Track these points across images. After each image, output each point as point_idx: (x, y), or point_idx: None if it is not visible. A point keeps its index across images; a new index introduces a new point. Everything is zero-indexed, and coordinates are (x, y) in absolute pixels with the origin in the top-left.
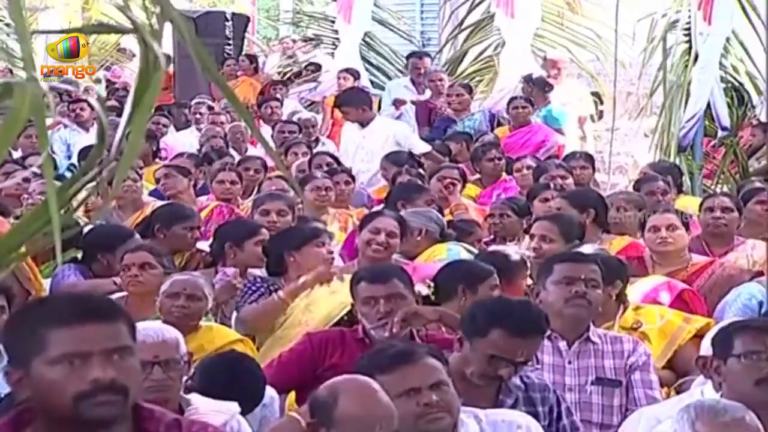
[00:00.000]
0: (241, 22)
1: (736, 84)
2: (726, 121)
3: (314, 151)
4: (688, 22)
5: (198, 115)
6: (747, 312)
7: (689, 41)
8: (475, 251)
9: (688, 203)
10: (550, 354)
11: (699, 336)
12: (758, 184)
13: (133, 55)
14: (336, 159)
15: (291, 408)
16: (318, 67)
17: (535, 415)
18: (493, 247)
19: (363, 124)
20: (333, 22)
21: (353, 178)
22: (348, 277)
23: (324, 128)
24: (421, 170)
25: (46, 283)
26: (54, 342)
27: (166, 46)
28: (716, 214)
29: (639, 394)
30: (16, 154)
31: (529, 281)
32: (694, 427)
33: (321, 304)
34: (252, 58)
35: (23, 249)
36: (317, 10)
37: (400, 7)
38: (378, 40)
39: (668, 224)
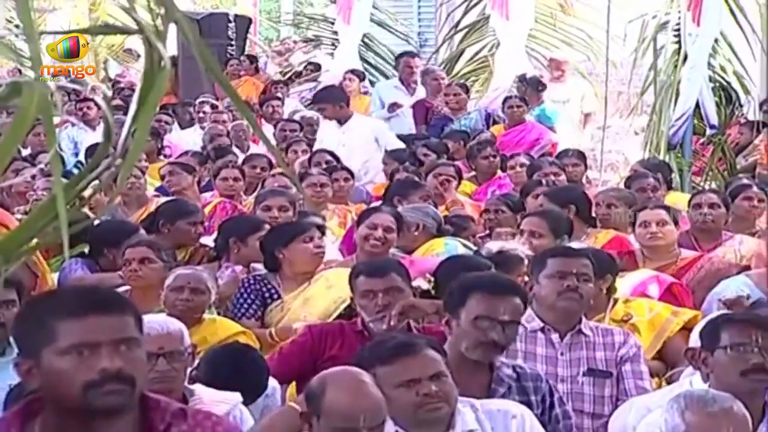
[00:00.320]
0: (244, 23)
1: (724, 83)
2: (714, 120)
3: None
4: (678, 24)
5: (201, 114)
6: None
7: (679, 42)
8: (472, 246)
9: (678, 199)
10: (543, 346)
11: (687, 328)
12: (745, 181)
13: (138, 56)
14: (336, 156)
15: (292, 398)
16: (317, 67)
17: (528, 404)
18: (495, 243)
19: (341, 122)
20: (332, 23)
21: (352, 174)
22: (345, 273)
23: None
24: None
25: (55, 277)
26: (63, 333)
27: (171, 46)
28: (704, 210)
29: (629, 384)
30: (25, 152)
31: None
32: (684, 417)
33: (318, 299)
34: (252, 59)
35: (32, 243)
36: (317, 12)
37: (397, 8)
38: (376, 41)
39: (658, 220)
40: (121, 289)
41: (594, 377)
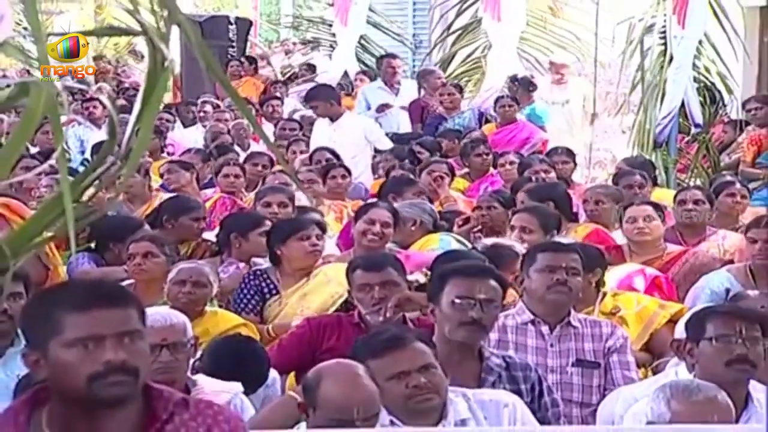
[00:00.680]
0: (244, 25)
1: (708, 84)
2: (699, 119)
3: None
4: (664, 26)
5: (203, 113)
6: (715, 298)
7: (665, 44)
8: (466, 242)
9: (663, 196)
10: (533, 338)
11: (673, 321)
12: (729, 178)
13: (142, 57)
14: (335, 154)
15: (291, 388)
16: (313, 68)
17: (518, 393)
18: (492, 240)
19: (332, 119)
20: (330, 25)
21: (349, 172)
22: (343, 268)
23: None
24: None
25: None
26: (69, 326)
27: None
28: (689, 206)
29: (617, 375)
30: (34, 150)
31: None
32: (670, 405)
33: (316, 295)
34: (251, 60)
35: (39, 238)
36: (316, 15)
37: (393, 11)
38: (373, 42)
39: (645, 215)
40: (125, 283)
41: (582, 368)
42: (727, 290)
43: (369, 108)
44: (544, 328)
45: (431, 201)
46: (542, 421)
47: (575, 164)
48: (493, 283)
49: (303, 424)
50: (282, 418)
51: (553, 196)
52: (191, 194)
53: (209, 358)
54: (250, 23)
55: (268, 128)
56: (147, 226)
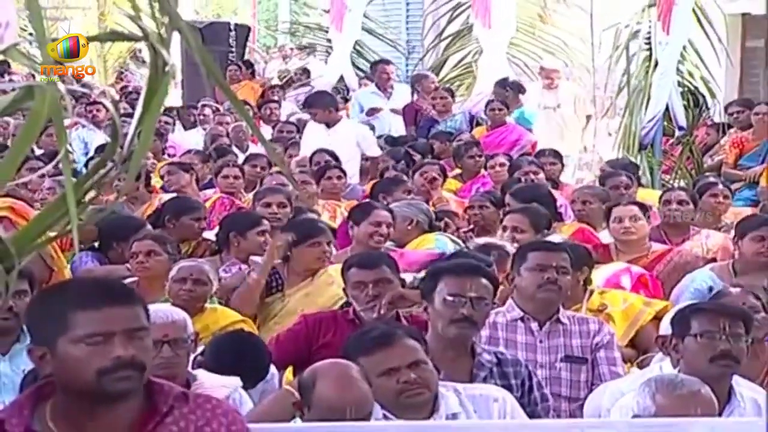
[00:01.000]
0: (243, 31)
1: (692, 88)
2: (683, 122)
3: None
4: (649, 32)
5: (203, 116)
6: (698, 295)
7: (650, 49)
8: (460, 242)
9: (648, 196)
10: (522, 334)
11: (658, 318)
12: (712, 179)
13: (144, 62)
14: (334, 156)
15: (288, 382)
16: (308, 72)
17: (509, 388)
18: (484, 239)
19: (329, 125)
20: (326, 31)
21: (345, 173)
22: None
23: None
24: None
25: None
26: (80, 323)
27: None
28: (674, 206)
29: (604, 370)
30: (39, 152)
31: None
32: (655, 399)
33: (318, 296)
34: (248, 64)
35: (43, 238)
36: (312, 21)
37: (387, 18)
38: (367, 47)
39: (631, 215)
40: (128, 280)
41: (571, 363)
42: (711, 288)
43: (362, 111)
44: (534, 325)
45: (427, 201)
46: (532, 415)
47: (563, 165)
48: (484, 281)
49: (299, 419)
50: (279, 411)
51: (538, 197)
52: (191, 195)
53: (212, 353)
54: (249, 29)
55: (266, 131)
56: (149, 226)
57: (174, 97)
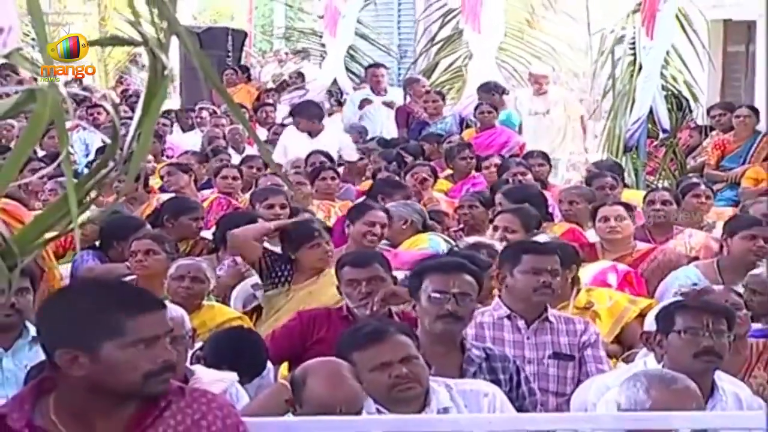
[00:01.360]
0: (240, 36)
1: (675, 91)
2: (666, 124)
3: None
4: (634, 38)
5: (200, 119)
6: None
7: (634, 54)
8: (453, 243)
9: (633, 196)
10: (509, 332)
11: (642, 315)
12: (694, 180)
13: (143, 66)
14: (329, 156)
15: (283, 377)
16: (302, 76)
17: (497, 383)
18: (474, 238)
19: (312, 134)
20: (320, 36)
21: (338, 174)
22: None
23: None
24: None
25: (68, 267)
26: (133, 328)
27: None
28: (658, 206)
29: (591, 368)
30: (41, 153)
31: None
32: (650, 393)
33: (321, 295)
34: (245, 69)
35: (45, 237)
36: (307, 26)
37: (379, 23)
38: (360, 52)
39: (616, 215)
40: (127, 279)
41: (559, 360)
42: (695, 285)
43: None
44: (521, 323)
45: (419, 202)
46: (520, 409)
47: (551, 167)
48: (467, 277)
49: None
50: (274, 406)
51: (529, 197)
52: (190, 195)
53: (211, 349)
54: (245, 34)
55: (262, 133)
56: (148, 226)
57: (172, 100)
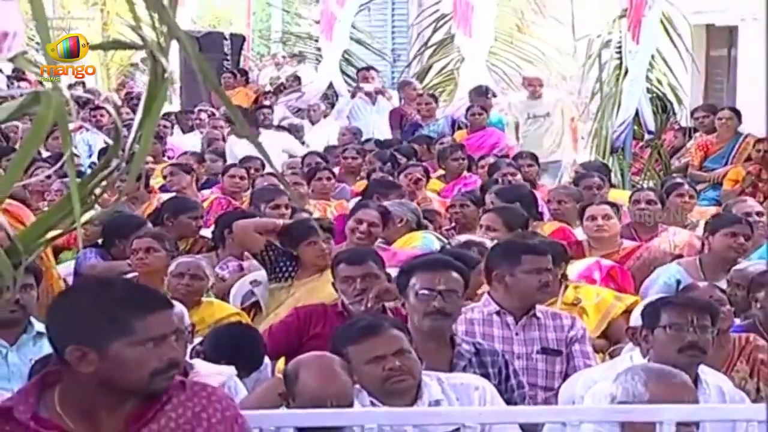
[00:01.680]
0: (238, 41)
1: (660, 94)
2: (651, 126)
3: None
4: (620, 42)
5: (199, 121)
6: (666, 289)
7: (620, 58)
8: (445, 240)
9: (619, 196)
10: (499, 328)
11: (628, 311)
12: (678, 180)
13: (144, 70)
14: (324, 157)
15: (280, 371)
16: (299, 79)
17: (487, 376)
18: (465, 237)
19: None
20: (316, 40)
21: (334, 174)
22: None
23: None
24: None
25: (71, 265)
26: (142, 327)
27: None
28: (643, 205)
29: (578, 363)
30: (46, 154)
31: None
32: (647, 386)
33: (320, 291)
34: (243, 72)
35: (48, 236)
36: (303, 31)
37: (374, 28)
38: (355, 56)
39: (603, 214)
40: (129, 276)
41: (547, 355)
42: (678, 282)
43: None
44: (509, 319)
45: (411, 201)
46: (509, 402)
47: (539, 167)
48: (454, 275)
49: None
50: (271, 399)
51: (520, 197)
52: (190, 195)
53: (211, 344)
54: (244, 39)
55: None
56: (150, 224)
57: (173, 103)
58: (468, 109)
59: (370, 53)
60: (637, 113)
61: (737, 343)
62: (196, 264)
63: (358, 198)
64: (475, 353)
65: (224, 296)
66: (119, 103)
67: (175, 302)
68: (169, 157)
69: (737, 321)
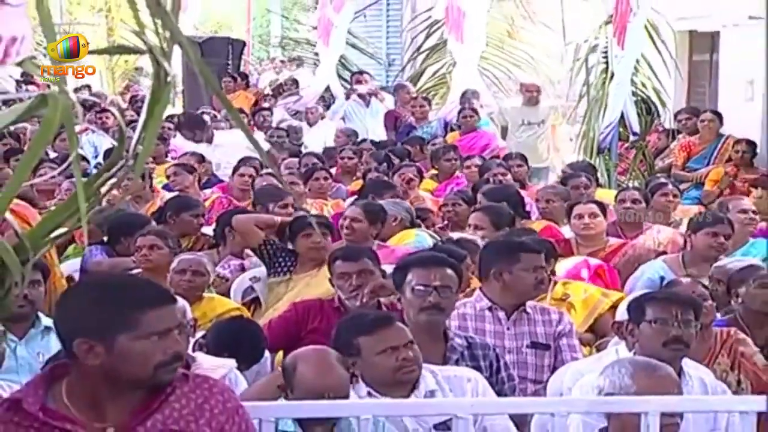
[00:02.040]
0: (239, 45)
1: (645, 97)
2: (636, 128)
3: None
4: (606, 47)
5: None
6: (650, 285)
7: (606, 62)
8: (437, 238)
9: (606, 195)
10: (491, 323)
11: (615, 307)
12: (662, 180)
13: (148, 73)
14: (321, 158)
15: (279, 364)
16: (296, 83)
17: (478, 369)
18: (457, 234)
19: (209, 141)
20: (314, 45)
21: (331, 175)
22: None
23: None
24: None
25: (65, 267)
26: (147, 322)
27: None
28: (628, 204)
29: (566, 356)
30: (53, 155)
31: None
32: (634, 379)
33: (318, 286)
34: (243, 76)
35: (53, 234)
36: (301, 36)
37: (369, 33)
38: (351, 60)
39: (590, 212)
40: (133, 272)
41: (536, 349)
42: (662, 278)
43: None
44: (501, 314)
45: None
46: (499, 393)
47: (528, 168)
48: (448, 271)
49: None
50: (270, 392)
51: (508, 197)
52: (193, 194)
53: (213, 338)
54: (244, 44)
55: (259, 136)
56: (153, 222)
57: (175, 106)
58: (460, 112)
59: (366, 58)
60: (622, 116)
61: (719, 337)
62: (197, 261)
63: (354, 197)
64: (467, 347)
65: (226, 293)
66: (124, 106)
67: (177, 297)
68: (172, 158)
69: (719, 316)
